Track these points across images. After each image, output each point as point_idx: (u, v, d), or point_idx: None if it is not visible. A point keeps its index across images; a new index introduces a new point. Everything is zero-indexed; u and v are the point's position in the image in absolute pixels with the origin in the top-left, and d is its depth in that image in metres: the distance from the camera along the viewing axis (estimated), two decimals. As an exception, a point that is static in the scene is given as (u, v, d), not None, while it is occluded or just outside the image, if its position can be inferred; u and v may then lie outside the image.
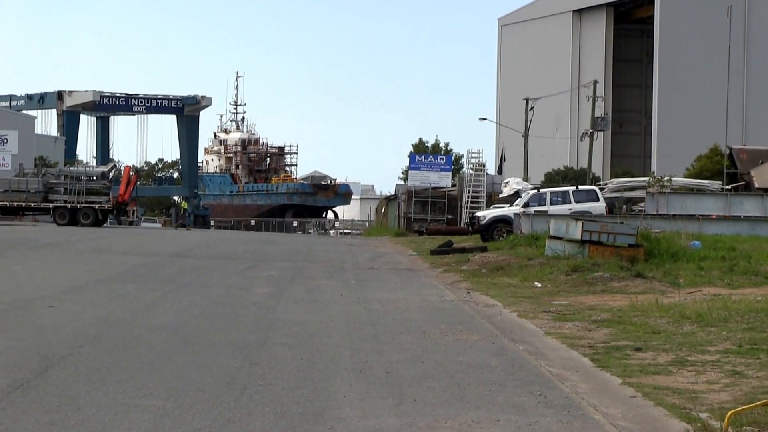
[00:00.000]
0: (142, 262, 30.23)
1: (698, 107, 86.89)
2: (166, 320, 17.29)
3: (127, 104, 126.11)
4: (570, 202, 44.89)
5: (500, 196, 61.51)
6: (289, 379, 12.17)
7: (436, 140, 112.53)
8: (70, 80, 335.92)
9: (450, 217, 71.90)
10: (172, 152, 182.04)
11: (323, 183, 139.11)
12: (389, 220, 79.88)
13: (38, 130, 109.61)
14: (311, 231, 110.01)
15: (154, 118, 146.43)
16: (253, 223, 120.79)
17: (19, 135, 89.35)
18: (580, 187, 48.39)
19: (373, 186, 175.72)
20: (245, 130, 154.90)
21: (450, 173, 79.53)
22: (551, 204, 44.75)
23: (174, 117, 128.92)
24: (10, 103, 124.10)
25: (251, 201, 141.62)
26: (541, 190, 48.14)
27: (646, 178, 55.63)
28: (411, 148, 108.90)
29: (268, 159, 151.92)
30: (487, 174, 71.79)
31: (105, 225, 63.61)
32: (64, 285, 22.63)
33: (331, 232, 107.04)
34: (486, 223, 45.57)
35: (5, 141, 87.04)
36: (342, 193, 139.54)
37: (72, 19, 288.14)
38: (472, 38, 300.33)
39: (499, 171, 78.10)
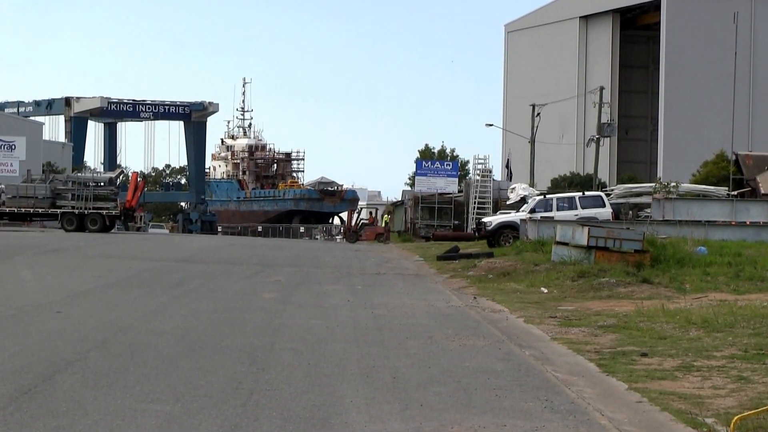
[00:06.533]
0: (149, 268, 30.29)
1: (704, 113, 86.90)
2: (173, 325, 17.33)
3: (134, 110, 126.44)
4: (576, 208, 44.91)
5: (507, 202, 61.58)
6: (296, 384, 12.21)
7: (442, 146, 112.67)
8: (78, 86, 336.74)
9: (456, 222, 71.96)
10: (179, 158, 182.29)
11: (330, 189, 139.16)
12: (394, 226, 79.93)
13: (46, 136, 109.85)
14: (318, 237, 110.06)
15: (161, 125, 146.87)
16: (260, 228, 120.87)
17: (27, 141, 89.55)
18: (587, 193, 48.43)
19: (379, 192, 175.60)
20: (252, 136, 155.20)
21: (456, 179, 79.68)
22: (557, 210, 44.76)
23: (181, 123, 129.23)
24: (17, 110, 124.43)
25: (258, 207, 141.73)
26: (547, 196, 48.18)
27: (652, 184, 55.63)
28: (417, 154, 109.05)
29: (275, 165, 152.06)
30: (493, 180, 71.91)
31: (112, 231, 63.72)
32: (71, 290, 22.69)
33: (338, 238, 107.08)
34: (492, 229, 45.61)
35: (13, 147, 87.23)
36: (348, 199, 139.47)
37: (79, 25, 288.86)
38: (479, 44, 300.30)
39: (509, 177, 78.21)
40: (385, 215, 75.61)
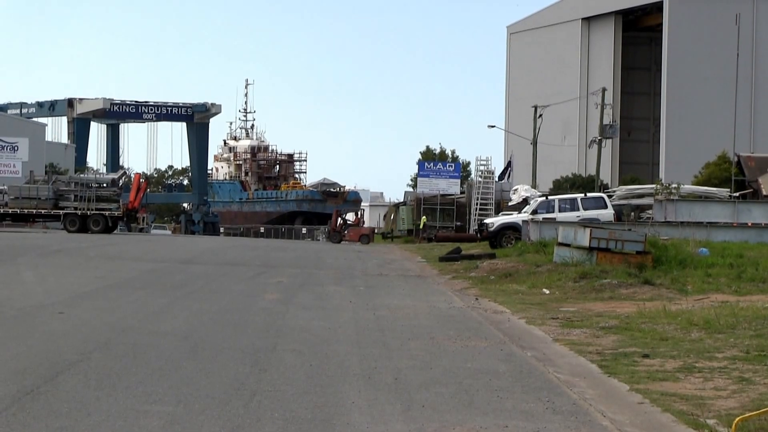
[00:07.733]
0: (152, 269, 30.31)
1: (706, 115, 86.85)
2: (176, 326, 17.35)
3: (137, 112, 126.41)
4: (578, 209, 44.93)
5: (509, 203, 61.61)
6: (298, 385, 12.23)
7: (441, 148, 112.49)
8: (81, 88, 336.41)
9: (459, 224, 71.99)
10: (182, 159, 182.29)
11: (332, 190, 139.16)
12: (397, 227, 79.99)
13: (49, 137, 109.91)
14: (320, 238, 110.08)
15: (164, 126, 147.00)
16: (262, 230, 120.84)
17: (30, 142, 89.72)
18: (589, 195, 48.44)
19: (382, 193, 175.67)
20: (255, 137, 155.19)
21: (459, 180, 79.66)
22: (560, 211, 44.78)
23: (184, 124, 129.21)
24: (20, 111, 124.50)
25: (260, 208, 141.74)
26: (549, 198, 48.19)
27: (655, 186, 55.64)
28: (419, 156, 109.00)
29: (278, 166, 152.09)
30: (495, 181, 71.91)
31: (115, 232, 63.77)
32: (74, 291, 22.71)
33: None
34: (494, 230, 45.63)
35: (16, 148, 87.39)
36: (351, 200, 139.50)
37: (82, 26, 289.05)
38: (481, 46, 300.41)
39: (500, 178, 78.11)
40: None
